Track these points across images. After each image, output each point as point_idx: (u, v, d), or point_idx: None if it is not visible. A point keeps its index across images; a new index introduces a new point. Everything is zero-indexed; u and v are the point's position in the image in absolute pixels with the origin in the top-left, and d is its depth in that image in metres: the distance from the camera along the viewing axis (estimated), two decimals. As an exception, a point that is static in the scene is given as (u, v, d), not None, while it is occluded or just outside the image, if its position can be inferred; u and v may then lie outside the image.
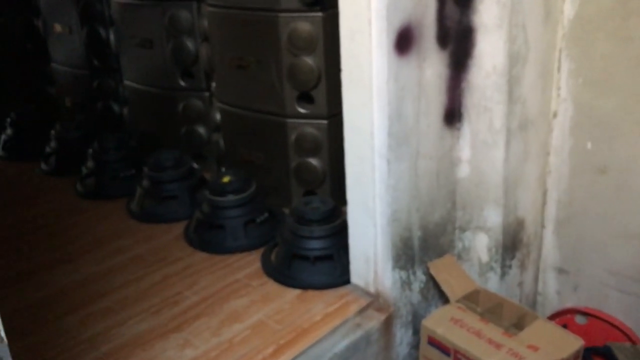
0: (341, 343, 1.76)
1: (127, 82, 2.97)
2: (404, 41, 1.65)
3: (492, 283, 2.04)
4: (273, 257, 2.12)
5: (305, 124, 2.29)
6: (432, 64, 1.75)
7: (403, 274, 1.90)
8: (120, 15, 2.84)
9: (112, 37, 2.97)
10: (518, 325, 1.88)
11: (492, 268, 2.04)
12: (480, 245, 2.02)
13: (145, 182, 2.48)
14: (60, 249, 2.25)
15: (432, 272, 1.96)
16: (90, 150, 2.72)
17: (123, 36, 2.87)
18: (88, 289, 2.02)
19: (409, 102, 1.72)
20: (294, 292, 1.97)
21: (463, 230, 2.02)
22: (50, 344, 1.76)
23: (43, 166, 2.98)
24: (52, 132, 2.98)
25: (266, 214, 2.27)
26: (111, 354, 1.72)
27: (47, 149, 2.98)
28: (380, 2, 1.58)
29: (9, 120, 3.20)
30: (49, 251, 2.24)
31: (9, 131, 3.20)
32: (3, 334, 0.96)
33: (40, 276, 2.09)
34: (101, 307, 1.93)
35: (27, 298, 1.97)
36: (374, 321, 1.85)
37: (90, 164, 2.71)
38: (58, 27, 3.19)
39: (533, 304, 2.21)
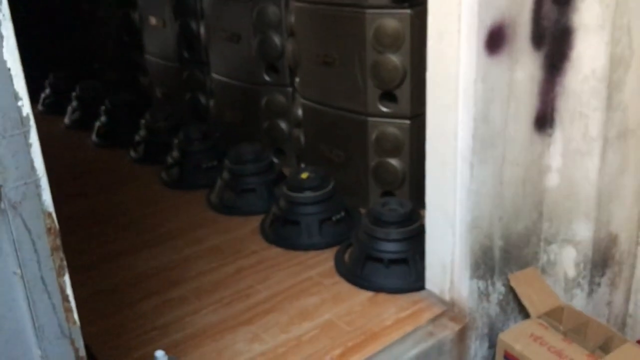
0: (411, 351, 1.70)
1: (214, 75, 3.02)
2: (496, 40, 1.57)
3: (578, 300, 1.92)
4: (347, 257, 2.08)
5: (387, 123, 2.24)
6: (525, 66, 1.66)
7: (481, 284, 1.82)
8: (211, 9, 2.89)
9: (202, 30, 3.03)
10: (604, 347, 1.75)
11: (579, 284, 1.91)
12: (567, 259, 1.90)
13: (225, 174, 2.51)
14: (142, 235, 2.32)
15: (513, 284, 1.87)
16: (176, 141, 2.78)
17: (213, 30, 2.92)
18: (165, 276, 2.06)
19: (497, 105, 1.64)
20: (365, 294, 1.93)
21: (549, 242, 1.91)
22: (125, 328, 1.81)
23: (132, 154, 3.08)
24: (142, 121, 3.08)
25: (342, 213, 2.24)
26: (182, 341, 1.75)
27: (137, 138, 3.08)
28: (472, -1, 1.51)
29: (103, 108, 3.34)
30: (131, 237, 2.31)
31: (103, 118, 3.34)
32: (76, 317, 0.98)
33: (121, 261, 2.16)
34: (176, 295, 1.96)
35: (106, 282, 2.04)
36: (448, 331, 1.78)
37: (175, 153, 2.78)
38: (153, 20, 3.29)
39: (622, 326, 2.06)
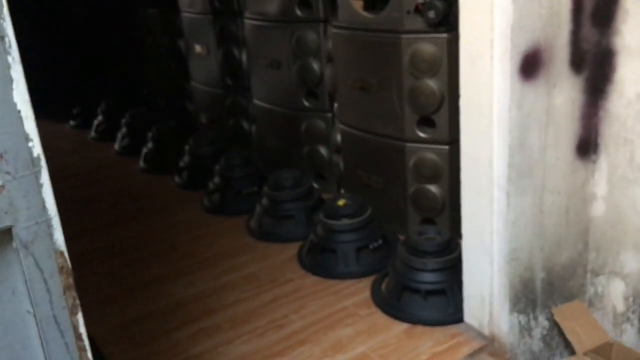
0: (448, 388, 1.64)
1: (256, 102, 3.05)
2: (531, 65, 1.51)
3: (629, 336, 1.80)
4: (384, 287, 2.04)
5: (426, 149, 2.19)
6: (564, 91, 1.59)
7: (522, 318, 1.73)
8: (252, 36, 2.92)
9: (244, 58, 3.07)
10: (657, 389, 1.64)
11: (629, 319, 1.80)
12: (616, 292, 1.79)
13: (264, 201, 2.52)
14: (182, 262, 2.34)
15: (558, 318, 1.77)
16: (217, 167, 2.81)
17: (254, 57, 2.95)
18: (202, 304, 2.07)
19: (534, 132, 1.57)
20: (402, 327, 1.87)
21: (596, 274, 1.81)
22: (161, 356, 1.82)
23: (177, 179, 3.14)
24: (187, 147, 3.13)
25: (380, 241, 2.20)
26: (215, 372, 1.74)
27: (181, 164, 3.13)
28: (505, 23, 1.46)
29: (150, 135, 3.42)
30: (171, 263, 2.34)
31: (150, 145, 3.42)
32: (90, 356, 0.98)
33: (160, 287, 2.18)
34: (212, 323, 1.96)
35: (144, 309, 2.06)
36: (487, 367, 1.71)
37: (216, 180, 2.81)
38: (198, 48, 3.36)
39: (680, 364, 1.92)
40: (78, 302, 0.94)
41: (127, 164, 3.51)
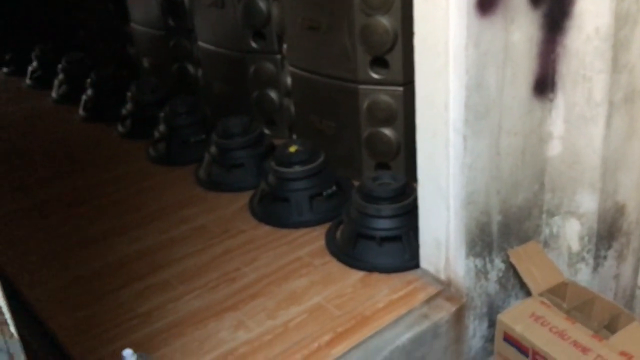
0: (405, 335, 1.61)
1: (200, 44, 2.88)
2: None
3: (583, 275, 1.81)
4: (338, 235, 1.98)
5: (379, 91, 2.10)
6: (522, 26, 1.51)
7: (478, 261, 1.71)
8: (193, -27, 2.73)
9: (186, -4, 2.88)
10: (610, 327, 1.65)
11: (583, 259, 1.80)
12: (571, 232, 1.78)
13: (213, 149, 2.40)
14: (126, 216, 2.23)
15: (513, 260, 1.76)
16: (162, 114, 2.66)
17: (196, -5, 2.77)
18: (148, 259, 1.97)
19: (491, 70, 1.50)
20: (357, 275, 1.83)
21: (552, 215, 1.79)
22: (105, 317, 1.73)
23: (119, 128, 2.98)
24: (128, 94, 2.96)
25: (334, 188, 2.13)
26: (164, 330, 1.67)
27: (123, 111, 2.96)
28: (460, -47, 1.36)
29: (89, 80, 3.22)
30: (115, 218, 2.22)
31: (89, 92, 3.22)
32: (13, 330, 0.88)
33: (103, 244, 2.07)
34: (160, 279, 1.88)
35: (86, 267, 1.95)
36: (443, 312, 1.68)
37: (161, 128, 2.67)
38: (136, -14, 3.14)
39: (631, 299, 1.95)
40: (-7, 273, 0.83)
41: (65, 113, 3.31)
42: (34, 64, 3.85)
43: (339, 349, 1.56)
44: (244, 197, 2.28)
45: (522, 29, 1.51)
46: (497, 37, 1.47)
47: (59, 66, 3.54)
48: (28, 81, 3.86)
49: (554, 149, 1.70)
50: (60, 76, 3.52)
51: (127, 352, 1.24)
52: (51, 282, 1.90)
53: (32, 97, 3.69)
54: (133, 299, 1.79)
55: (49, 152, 2.87)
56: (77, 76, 3.40)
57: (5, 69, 4.13)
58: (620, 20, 1.48)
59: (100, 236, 2.11)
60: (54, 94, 3.54)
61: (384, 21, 1.98)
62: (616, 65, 1.52)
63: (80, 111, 3.23)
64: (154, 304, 1.77)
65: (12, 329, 0.88)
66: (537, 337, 1.59)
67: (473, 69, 1.46)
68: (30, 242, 2.13)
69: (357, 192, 1.90)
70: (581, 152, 1.65)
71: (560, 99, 1.63)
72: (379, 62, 2.08)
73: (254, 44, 2.57)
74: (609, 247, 1.79)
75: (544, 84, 1.62)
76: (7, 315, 0.87)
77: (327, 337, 1.60)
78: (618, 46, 1.50)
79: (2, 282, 0.89)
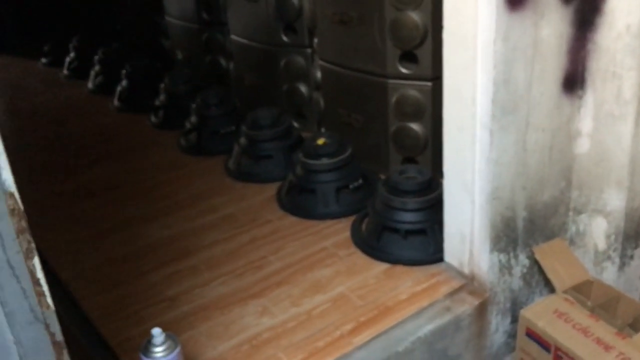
0: (426, 327, 1.63)
1: (233, 37, 2.92)
2: (518, -6, 1.43)
3: (609, 274, 1.80)
4: (363, 227, 2.00)
5: (408, 86, 2.12)
6: (552, 22, 1.51)
7: (503, 257, 1.71)
8: (227, -33, 2.78)
9: (221, -11, 2.93)
10: (634, 325, 1.64)
11: (609, 257, 1.79)
12: (598, 230, 1.78)
13: (242, 140, 2.44)
14: (157, 203, 2.28)
15: (538, 257, 1.76)
16: (194, 105, 2.72)
17: (230, -11, 2.81)
18: (178, 245, 2.02)
19: (520, 66, 1.50)
20: (381, 266, 1.85)
21: (578, 212, 1.79)
22: (134, 298, 1.78)
23: (152, 119, 3.04)
24: (162, 85, 3.02)
25: (360, 181, 2.15)
26: (191, 314, 1.72)
27: (157, 102, 3.02)
28: (491, -51, 1.36)
29: (124, 72, 3.29)
30: (146, 205, 2.27)
31: (124, 82, 3.29)
32: (50, 302, 0.93)
33: (134, 229, 2.12)
34: (188, 265, 1.92)
35: (118, 250, 2.01)
36: (466, 306, 1.69)
37: (192, 118, 2.72)
38: (172, -20, 3.20)
39: (658, 300, 1.93)
40: (33, 245, 0.88)
41: (100, 103, 3.39)
42: (72, 54, 3.94)
43: (361, 338, 1.58)
44: (272, 188, 2.32)
45: (552, 24, 1.51)
46: (526, 32, 1.48)
47: (95, 57, 3.62)
48: (66, 72, 3.95)
49: (582, 146, 1.70)
50: (97, 67, 3.60)
51: (156, 331, 1.28)
52: (84, 263, 1.96)
53: (69, 87, 3.79)
54: (162, 282, 1.85)
55: (84, 141, 2.94)
56: (112, 67, 3.47)
57: (44, 60, 4.24)
58: (653, 17, 1.47)
59: (132, 221, 2.17)
60: (90, 85, 3.63)
61: (414, 16, 2.00)
62: (647, 62, 1.51)
63: (115, 101, 3.30)
64: (182, 288, 1.82)
65: (49, 300, 0.93)
66: (559, 333, 1.59)
67: (501, 64, 1.46)
68: (65, 225, 2.19)
69: (383, 185, 1.92)
70: (609, 150, 1.65)
71: (590, 96, 1.63)
72: (408, 56, 2.09)
73: (285, 38, 2.61)
74: (636, 247, 1.78)
75: (573, 81, 1.62)
76: (45, 288, 0.91)
77: (349, 326, 1.63)
78: (649, 43, 1.49)
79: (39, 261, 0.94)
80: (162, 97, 3.02)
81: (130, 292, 1.81)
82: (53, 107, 3.46)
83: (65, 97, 3.59)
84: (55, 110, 3.40)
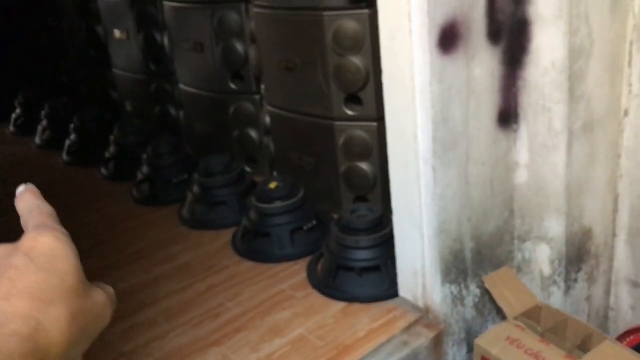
0: (385, 362, 1.65)
1: (181, 86, 2.96)
2: (449, 38, 1.52)
3: (556, 298, 1.87)
4: (319, 267, 2.03)
5: (354, 127, 2.19)
6: (483, 62, 1.61)
7: (454, 288, 1.76)
8: (172, 19, 2.83)
9: (166, 41, 2.97)
10: (582, 347, 1.70)
11: (555, 282, 1.86)
12: (542, 257, 1.85)
13: (195, 188, 2.46)
14: (110, 256, 2.26)
15: (488, 286, 1.81)
16: (145, 155, 2.72)
17: (176, 40, 2.86)
18: (133, 298, 2.00)
19: (456, 104, 1.58)
20: (338, 305, 1.87)
21: (523, 240, 1.86)
22: (90, 357, 1.74)
23: (103, 171, 3.02)
24: (111, 137, 3.02)
25: (314, 221, 2.18)
26: (150, 367, 1.70)
27: (107, 154, 3.01)
28: (421, -3, 1.45)
29: (72, 125, 3.27)
30: (99, 258, 2.25)
31: (72, 136, 3.27)
32: None
33: (88, 285, 2.09)
34: (145, 318, 1.91)
35: (72, 308, 1.97)
36: (422, 339, 1.73)
37: (144, 169, 2.72)
38: (117, 33, 3.23)
39: (604, 319, 2.01)
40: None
41: (49, 158, 3.35)
42: (17, 110, 3.90)
43: (322, 378, 1.60)
44: (227, 234, 2.33)
45: (483, 64, 1.60)
46: (459, 72, 1.56)
47: (42, 112, 3.59)
48: (12, 128, 3.90)
49: (521, 176, 1.78)
50: (44, 122, 3.57)
51: (113, 387, 1.26)
52: (37, 324, 1.91)
53: (15, 143, 3.73)
54: (118, 338, 1.82)
55: (33, 197, 2.89)
56: (60, 121, 3.46)
57: (-13, 117, 4.17)
58: (575, 53, 1.58)
59: (86, 277, 2.13)
60: (37, 140, 3.59)
61: (356, 60, 2.08)
62: (573, 95, 1.61)
63: (64, 155, 3.27)
64: (139, 342, 1.80)
65: None
66: (512, 359, 1.63)
67: (438, 103, 1.54)
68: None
69: (336, 225, 1.96)
70: (546, 179, 1.73)
71: (524, 129, 1.72)
72: (352, 99, 2.17)
73: (233, 85, 2.66)
74: (579, 270, 1.86)
75: (507, 115, 1.71)
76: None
77: (309, 368, 1.64)
78: (573, 78, 1.60)
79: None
80: (112, 148, 3.01)
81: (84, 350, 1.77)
82: (-1, 164, 3.40)
83: (10, 154, 3.53)
84: (2, 167, 3.34)
